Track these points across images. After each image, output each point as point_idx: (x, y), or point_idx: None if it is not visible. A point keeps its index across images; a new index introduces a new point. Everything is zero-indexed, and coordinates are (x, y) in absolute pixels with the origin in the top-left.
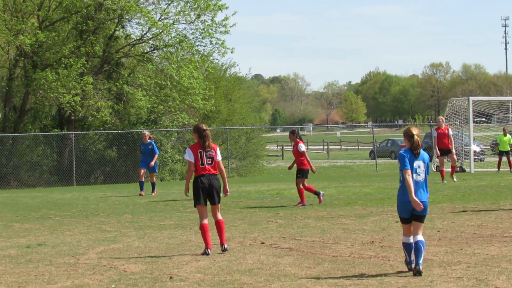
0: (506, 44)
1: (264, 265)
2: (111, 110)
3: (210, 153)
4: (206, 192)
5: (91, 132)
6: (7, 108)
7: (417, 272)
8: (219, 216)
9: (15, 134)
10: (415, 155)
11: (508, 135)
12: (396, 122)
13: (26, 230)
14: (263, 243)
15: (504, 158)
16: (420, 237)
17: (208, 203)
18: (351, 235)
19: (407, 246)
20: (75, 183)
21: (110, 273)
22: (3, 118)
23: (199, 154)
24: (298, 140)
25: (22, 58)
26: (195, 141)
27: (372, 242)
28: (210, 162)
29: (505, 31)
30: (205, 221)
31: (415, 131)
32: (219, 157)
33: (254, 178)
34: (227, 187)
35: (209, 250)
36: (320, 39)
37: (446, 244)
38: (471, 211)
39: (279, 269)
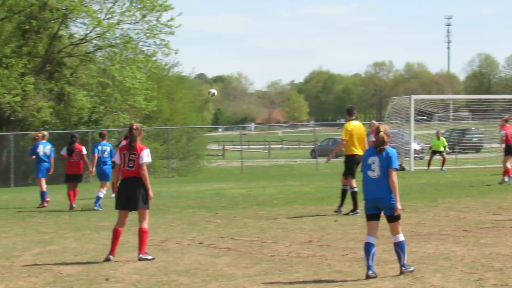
0: (448, 43)
1: (202, 266)
2: (52, 110)
3: (133, 155)
4: (125, 196)
5: (31, 132)
6: None
7: (401, 273)
8: (143, 224)
9: None
10: (377, 152)
11: (441, 138)
12: (338, 121)
13: None
14: (201, 243)
15: (438, 156)
16: (399, 238)
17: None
18: (289, 234)
19: (366, 247)
20: (12, 184)
21: (45, 275)
22: None
23: (123, 155)
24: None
25: None
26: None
27: (310, 241)
28: (131, 165)
29: (448, 30)
30: (118, 227)
31: (382, 128)
32: (142, 160)
33: (194, 178)
34: (150, 192)
35: (111, 256)
36: (265, 39)
37: (384, 242)
38: (409, 209)
39: (217, 269)
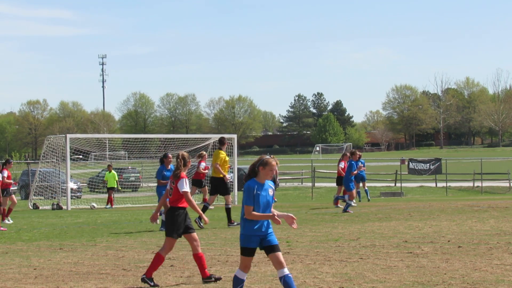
0: (103, 82)
1: None
2: None
3: (172, 184)
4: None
5: None
6: None
7: None
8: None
9: None
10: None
11: (113, 171)
12: None
13: None
14: None
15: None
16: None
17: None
18: None
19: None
20: None
21: None
22: None
23: (171, 183)
24: None
25: None
26: None
27: None
28: (170, 193)
29: (102, 69)
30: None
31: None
32: (182, 189)
33: None
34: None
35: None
36: None
37: (43, 282)
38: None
39: None
